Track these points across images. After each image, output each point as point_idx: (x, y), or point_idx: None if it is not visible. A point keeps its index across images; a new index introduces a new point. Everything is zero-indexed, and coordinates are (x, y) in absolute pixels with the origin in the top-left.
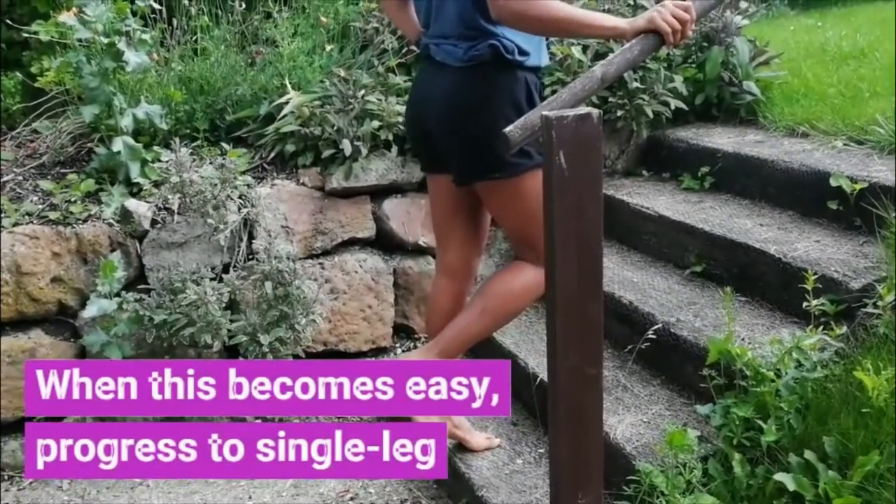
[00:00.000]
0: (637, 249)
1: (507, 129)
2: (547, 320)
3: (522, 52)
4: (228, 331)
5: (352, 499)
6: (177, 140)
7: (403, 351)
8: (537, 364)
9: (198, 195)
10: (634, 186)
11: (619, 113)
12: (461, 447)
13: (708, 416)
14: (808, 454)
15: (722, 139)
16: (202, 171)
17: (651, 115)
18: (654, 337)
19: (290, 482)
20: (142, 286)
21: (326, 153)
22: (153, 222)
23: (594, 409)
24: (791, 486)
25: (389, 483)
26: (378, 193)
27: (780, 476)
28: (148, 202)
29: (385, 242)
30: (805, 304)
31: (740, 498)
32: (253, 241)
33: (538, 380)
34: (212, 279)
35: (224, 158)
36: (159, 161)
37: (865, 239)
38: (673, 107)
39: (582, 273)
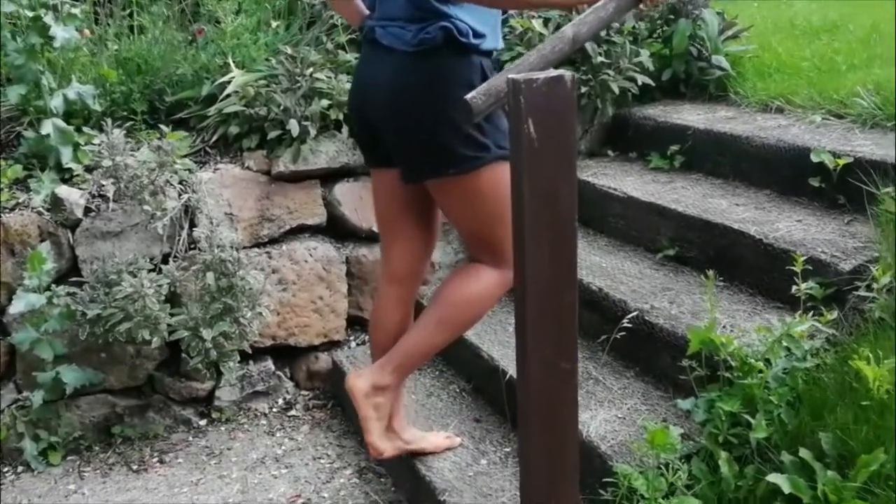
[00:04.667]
0: (604, 233)
1: (469, 95)
2: (516, 311)
3: (477, 35)
4: (168, 325)
5: (304, 503)
6: (108, 121)
7: (358, 345)
8: (502, 356)
9: (133, 180)
10: (600, 167)
11: (583, 89)
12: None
13: (690, 411)
14: (804, 452)
15: (691, 116)
16: (138, 155)
17: (617, 91)
18: (628, 325)
19: (237, 487)
20: (74, 279)
21: (272, 134)
22: (86, 210)
23: (569, 407)
24: (786, 489)
25: (345, 487)
26: (328, 177)
27: (773, 477)
28: (81, 189)
29: (337, 229)
30: (792, 288)
31: (728, 501)
32: (194, 229)
33: (507, 375)
34: (150, 270)
35: (162, 140)
36: (93, 145)
37: (851, 217)
38: (640, 82)
39: (556, 257)
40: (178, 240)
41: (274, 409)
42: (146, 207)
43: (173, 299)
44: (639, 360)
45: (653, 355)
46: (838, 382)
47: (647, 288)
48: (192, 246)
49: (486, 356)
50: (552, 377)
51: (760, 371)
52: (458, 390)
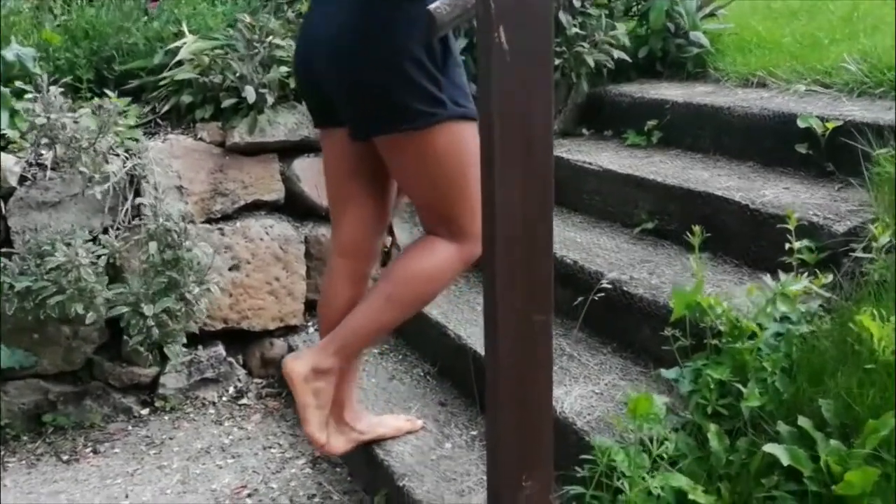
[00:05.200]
0: (578, 211)
1: (433, 5)
2: (484, 252)
3: None
4: (107, 300)
5: (249, 495)
6: (44, 76)
7: (317, 330)
8: (470, 335)
9: (72, 143)
10: (574, 145)
11: (557, 62)
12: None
13: (675, 381)
14: (803, 421)
15: (670, 91)
16: (80, 119)
17: (592, 64)
18: (603, 296)
19: (177, 478)
20: (5, 250)
21: (227, 103)
22: (22, 179)
23: (543, 365)
24: (785, 460)
25: (296, 477)
26: (287, 152)
27: (770, 447)
28: (18, 157)
29: (296, 207)
30: (781, 255)
31: (719, 477)
32: (139, 199)
33: (475, 354)
34: (87, 241)
35: (104, 100)
36: (26, 101)
37: (841, 184)
38: (616, 57)
39: (528, 186)
40: (122, 211)
41: (224, 398)
42: (83, 169)
43: (115, 275)
44: (616, 335)
45: (632, 328)
46: (838, 346)
47: (624, 260)
48: (137, 220)
49: (453, 335)
50: (524, 330)
51: (753, 335)
52: (422, 374)
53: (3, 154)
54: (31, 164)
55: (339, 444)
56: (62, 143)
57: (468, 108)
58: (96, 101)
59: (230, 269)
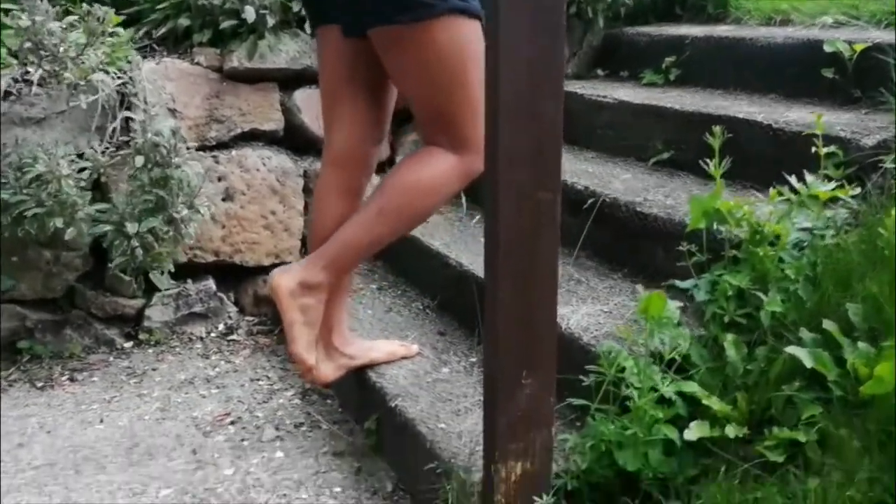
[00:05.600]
0: (591, 147)
1: None
2: (487, 125)
3: None
4: (90, 217)
5: (233, 423)
6: None
7: None
8: (472, 263)
9: (58, 52)
10: (588, 85)
11: None
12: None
13: (689, 291)
14: (828, 324)
15: (690, 29)
16: (67, 29)
17: (608, 1)
18: (615, 222)
19: (157, 405)
20: None
21: (226, 24)
22: (6, 95)
23: (547, 250)
24: (808, 363)
25: (283, 407)
26: (288, 83)
27: (792, 349)
28: (3, 74)
29: (295, 140)
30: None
31: (735, 387)
32: (129, 117)
33: (475, 278)
34: (71, 155)
35: (93, 6)
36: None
37: (868, 109)
38: None
39: (536, 40)
40: (109, 129)
41: (212, 335)
42: (68, 76)
43: (101, 196)
44: (628, 261)
45: (645, 251)
46: (866, 253)
47: (639, 186)
48: (125, 139)
49: (455, 263)
50: (528, 210)
51: (775, 240)
52: (421, 307)
53: None
54: (16, 81)
55: (328, 371)
56: (48, 52)
57: (472, 4)
58: (85, 6)
59: (223, 200)
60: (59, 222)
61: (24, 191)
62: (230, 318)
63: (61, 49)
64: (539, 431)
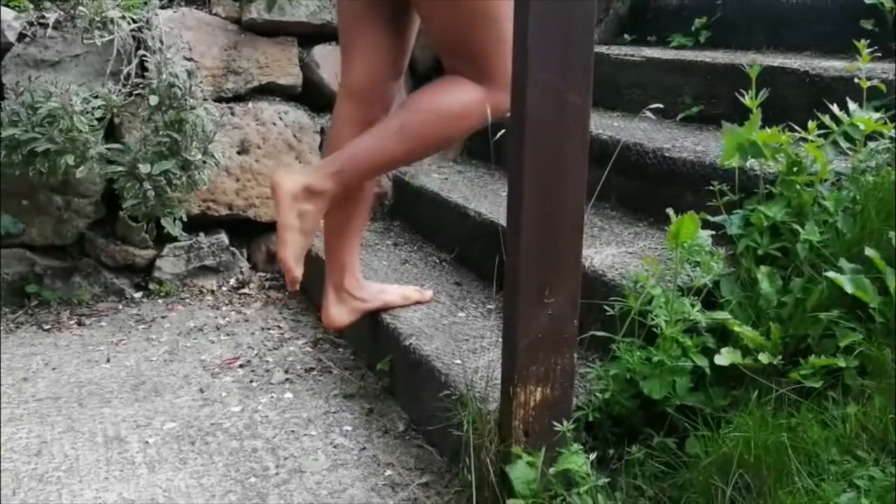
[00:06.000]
0: (617, 109)
1: None
2: (516, 16)
3: None
4: (102, 157)
5: (241, 366)
6: None
7: None
8: (492, 212)
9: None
10: (614, 48)
11: None
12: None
13: (721, 226)
14: (870, 251)
15: None
16: None
17: None
18: (642, 170)
19: (165, 349)
20: None
21: None
22: (21, 37)
23: (575, 155)
24: (849, 288)
25: (293, 354)
26: (307, 39)
27: (832, 275)
28: (19, 14)
29: (313, 97)
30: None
31: (768, 319)
32: (145, 64)
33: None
34: (85, 96)
35: None
36: None
37: None
38: None
39: None
40: (124, 73)
41: (223, 288)
42: (82, 10)
43: (115, 140)
44: (654, 210)
45: (672, 197)
46: None
47: (666, 136)
48: (141, 84)
49: (474, 213)
50: (557, 112)
51: (813, 170)
52: (437, 261)
53: (3, 7)
54: (32, 24)
55: (341, 315)
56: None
57: None
58: None
59: (238, 153)
60: (70, 160)
61: (36, 129)
62: (242, 272)
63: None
64: (561, 355)
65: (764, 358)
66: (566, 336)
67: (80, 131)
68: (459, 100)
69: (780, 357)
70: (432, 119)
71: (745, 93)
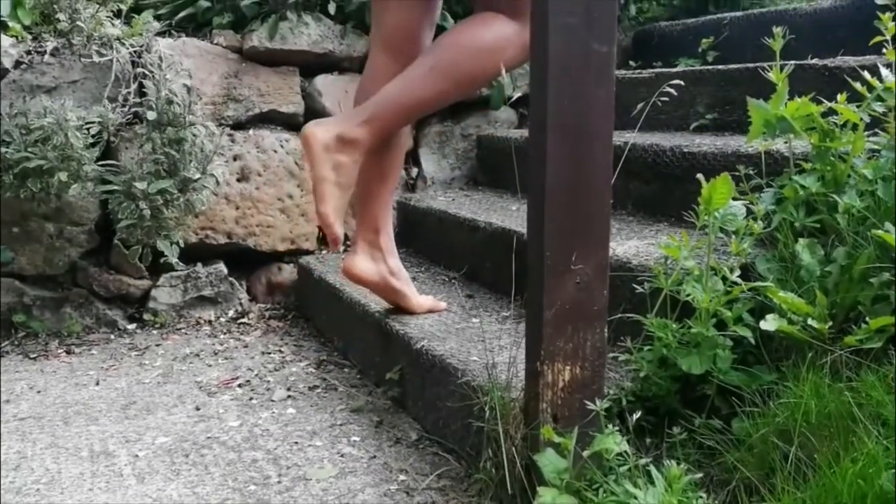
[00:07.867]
0: (627, 128)
1: None
2: None
3: None
4: (97, 175)
5: (240, 385)
6: None
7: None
8: (503, 221)
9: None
10: (620, 71)
11: None
12: (396, 310)
13: (749, 211)
14: None
15: (727, 14)
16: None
17: None
18: (657, 175)
19: (158, 372)
20: None
21: (246, 1)
22: (17, 64)
23: (601, 107)
24: None
25: (296, 374)
26: (309, 69)
27: (881, 232)
28: (17, 43)
29: None
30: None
31: (810, 292)
32: (144, 93)
33: (513, 234)
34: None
35: None
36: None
37: None
38: None
39: None
40: (123, 96)
41: (221, 319)
42: (80, 24)
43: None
44: (672, 211)
45: (694, 194)
46: None
47: (683, 141)
48: (140, 103)
49: (484, 224)
50: (581, 58)
51: (850, 137)
52: (447, 279)
53: (1, 35)
54: (29, 53)
55: (368, 269)
56: (63, 12)
57: None
58: None
59: (238, 181)
60: (63, 176)
61: (29, 149)
62: (241, 304)
63: (76, 13)
64: (590, 330)
65: (815, 323)
66: (596, 308)
67: (74, 147)
68: (493, 33)
69: (829, 325)
70: (464, 55)
71: (767, 72)
